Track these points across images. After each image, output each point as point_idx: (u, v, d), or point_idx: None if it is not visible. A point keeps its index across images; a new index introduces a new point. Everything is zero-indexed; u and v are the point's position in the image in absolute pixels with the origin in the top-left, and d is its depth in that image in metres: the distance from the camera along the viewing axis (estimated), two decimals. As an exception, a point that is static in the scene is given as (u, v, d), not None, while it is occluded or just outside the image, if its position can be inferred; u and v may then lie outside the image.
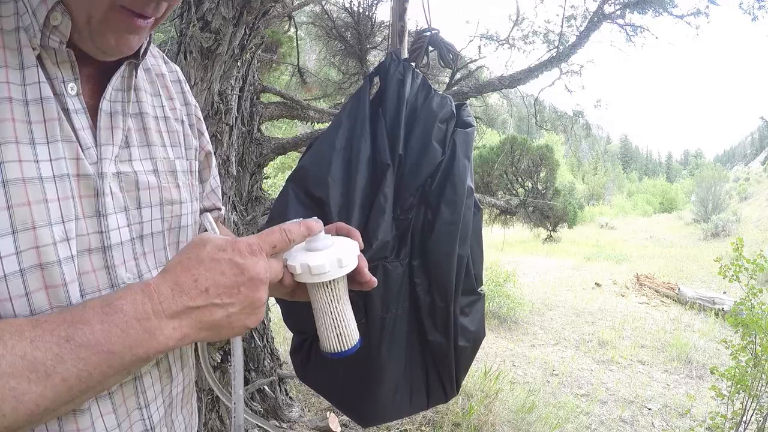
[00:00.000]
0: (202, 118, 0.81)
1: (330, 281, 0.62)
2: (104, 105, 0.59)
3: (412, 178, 0.87)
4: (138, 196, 0.62)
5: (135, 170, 0.62)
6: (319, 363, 0.88)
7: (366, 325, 0.83)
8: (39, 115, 0.52)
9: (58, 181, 0.52)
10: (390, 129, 0.89)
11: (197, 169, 0.78)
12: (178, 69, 0.78)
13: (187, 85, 0.79)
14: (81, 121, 0.56)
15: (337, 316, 0.64)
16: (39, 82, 0.52)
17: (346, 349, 0.64)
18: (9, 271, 0.48)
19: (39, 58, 0.53)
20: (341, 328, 0.64)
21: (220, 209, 0.88)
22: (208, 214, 0.64)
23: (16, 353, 0.42)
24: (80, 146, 0.55)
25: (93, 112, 0.59)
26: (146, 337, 0.47)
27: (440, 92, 0.98)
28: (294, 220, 0.61)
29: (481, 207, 0.96)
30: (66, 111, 0.55)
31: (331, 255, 0.61)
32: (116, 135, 0.60)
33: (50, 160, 0.52)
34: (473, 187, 0.91)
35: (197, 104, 0.80)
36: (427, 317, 0.87)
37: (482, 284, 0.97)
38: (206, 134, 0.82)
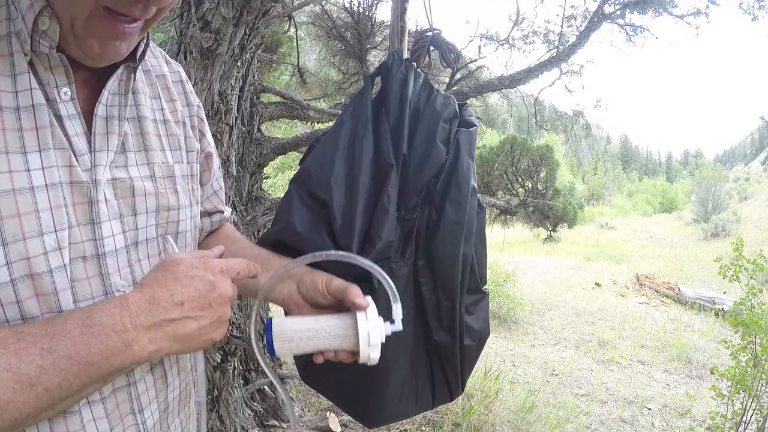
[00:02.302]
0: (205, 119, 0.80)
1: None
2: (99, 110, 0.58)
3: (417, 177, 0.87)
4: (133, 202, 0.61)
5: (131, 176, 0.61)
6: (323, 364, 0.88)
7: None
8: (31, 122, 0.51)
9: (51, 189, 0.52)
10: (393, 129, 0.89)
11: (198, 173, 0.77)
12: (181, 69, 0.77)
13: (189, 84, 0.78)
14: (74, 126, 0.55)
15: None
16: (31, 89, 0.52)
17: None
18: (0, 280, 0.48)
19: (31, 63, 0.52)
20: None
21: (222, 212, 0.87)
22: (170, 237, 0.66)
23: (1, 365, 0.44)
24: (73, 153, 0.55)
25: (89, 117, 0.58)
26: (123, 348, 0.48)
27: (442, 92, 0.98)
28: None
29: (484, 206, 0.96)
30: (59, 117, 0.54)
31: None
32: (111, 140, 0.59)
33: (42, 168, 0.52)
34: (476, 187, 0.91)
35: (200, 104, 0.79)
36: (432, 317, 0.86)
37: (486, 283, 0.97)
38: (208, 135, 0.81)
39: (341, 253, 0.69)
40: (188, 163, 0.73)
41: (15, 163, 0.50)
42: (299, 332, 0.65)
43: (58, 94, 0.54)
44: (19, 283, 0.50)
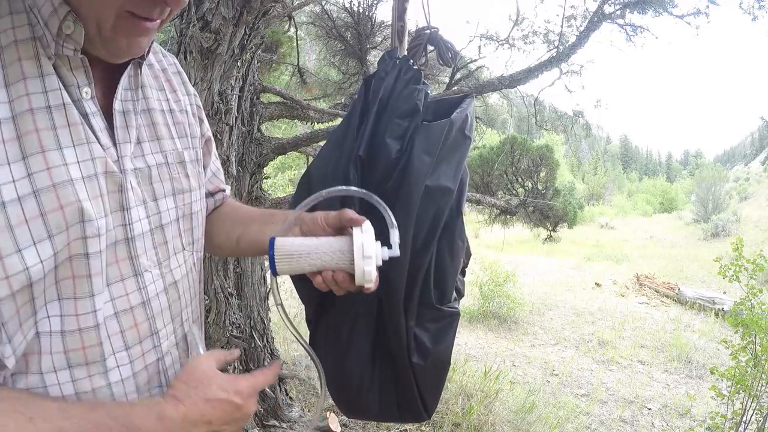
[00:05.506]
0: (201, 105, 0.85)
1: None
2: (117, 105, 0.63)
3: (369, 177, 0.86)
4: (153, 189, 0.67)
5: (148, 164, 0.67)
6: (321, 344, 0.90)
7: (334, 312, 0.85)
8: (63, 120, 0.55)
9: (87, 181, 0.56)
10: (364, 129, 0.89)
11: (201, 157, 0.82)
12: (175, 60, 0.82)
13: (184, 74, 0.83)
14: (98, 123, 0.60)
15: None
16: (60, 88, 0.55)
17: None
18: (47, 269, 0.53)
19: (53, 66, 0.56)
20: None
21: (224, 190, 0.93)
22: (195, 331, 0.74)
23: None
24: (102, 147, 0.59)
25: (105, 113, 0.62)
26: None
27: (430, 89, 0.95)
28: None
29: (463, 211, 0.89)
30: (85, 115, 0.58)
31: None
32: (131, 133, 0.65)
33: (78, 162, 0.56)
34: (450, 187, 0.85)
35: (196, 92, 0.84)
36: (389, 325, 0.84)
37: (451, 300, 0.88)
38: (206, 121, 0.86)
39: (338, 188, 0.72)
40: (193, 148, 0.78)
41: (52, 159, 0.53)
42: (299, 248, 0.68)
43: (80, 93, 0.58)
44: (60, 267, 0.55)
